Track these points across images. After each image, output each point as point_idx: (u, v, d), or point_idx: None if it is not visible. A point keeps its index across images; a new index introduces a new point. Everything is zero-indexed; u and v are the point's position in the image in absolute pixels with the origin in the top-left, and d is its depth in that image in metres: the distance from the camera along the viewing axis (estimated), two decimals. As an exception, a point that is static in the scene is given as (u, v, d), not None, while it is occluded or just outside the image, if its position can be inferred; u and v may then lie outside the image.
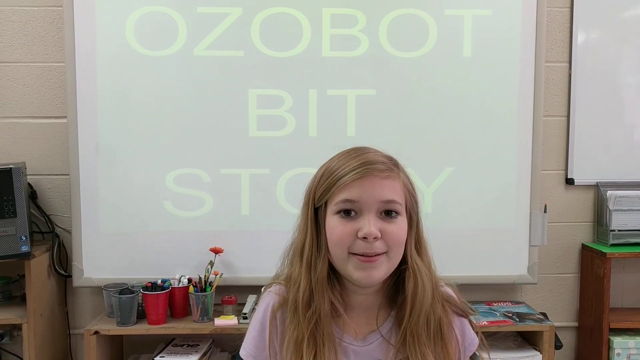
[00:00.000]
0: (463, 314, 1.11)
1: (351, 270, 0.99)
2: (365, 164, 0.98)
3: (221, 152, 2.32)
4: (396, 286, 1.06)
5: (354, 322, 1.05)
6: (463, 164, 2.37)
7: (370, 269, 0.99)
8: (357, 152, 1.02)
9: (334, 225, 0.99)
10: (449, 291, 1.11)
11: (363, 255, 0.98)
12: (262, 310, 1.07)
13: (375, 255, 0.98)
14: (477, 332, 1.12)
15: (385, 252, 0.99)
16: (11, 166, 2.10)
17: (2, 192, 2.07)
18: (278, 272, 1.10)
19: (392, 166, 1.02)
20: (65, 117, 2.32)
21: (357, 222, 0.98)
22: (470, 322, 1.12)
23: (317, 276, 1.01)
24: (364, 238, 0.97)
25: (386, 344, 1.05)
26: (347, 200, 0.98)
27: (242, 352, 1.08)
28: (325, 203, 1.02)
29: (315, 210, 1.04)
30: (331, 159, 1.05)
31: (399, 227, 1.00)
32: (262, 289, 1.11)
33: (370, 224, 0.97)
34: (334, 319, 1.03)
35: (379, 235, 0.97)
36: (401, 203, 1.01)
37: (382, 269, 1.00)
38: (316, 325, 1.01)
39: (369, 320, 1.06)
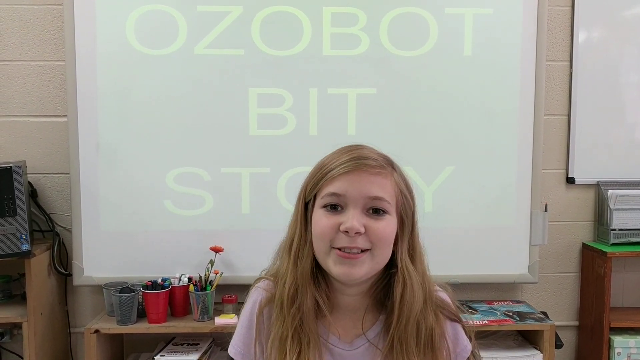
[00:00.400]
0: (456, 319, 1.08)
1: (331, 264, 0.97)
2: (355, 158, 0.97)
3: (221, 151, 2.32)
4: (386, 290, 1.03)
5: (340, 324, 1.03)
6: (463, 163, 2.37)
7: (350, 265, 0.96)
8: (351, 148, 1.01)
9: (318, 218, 0.98)
10: (443, 296, 1.08)
11: (343, 250, 0.96)
12: (249, 307, 1.06)
13: (358, 252, 0.96)
14: (470, 338, 1.09)
15: (369, 250, 0.97)
16: (11, 165, 2.10)
17: (2, 191, 2.07)
18: (268, 267, 1.09)
19: (384, 164, 1.00)
20: (65, 115, 2.32)
21: (341, 216, 0.96)
22: (464, 327, 1.09)
23: (301, 270, 0.99)
24: (346, 232, 0.95)
25: (373, 350, 1.02)
26: (333, 194, 0.97)
27: (230, 350, 1.07)
28: (314, 197, 1.01)
29: (306, 205, 1.03)
30: (327, 155, 1.04)
31: (386, 225, 0.98)
32: (251, 285, 1.10)
33: (353, 218, 0.95)
34: (320, 319, 1.02)
35: (362, 230, 0.95)
36: (390, 202, 0.98)
37: (364, 267, 0.97)
38: (300, 322, 0.99)
39: (355, 323, 1.04)
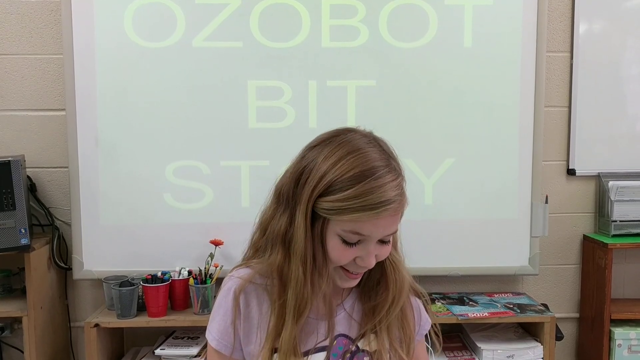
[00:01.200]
0: (418, 295, 1.16)
1: (336, 278, 1.04)
2: (382, 203, 0.95)
3: (221, 144, 2.31)
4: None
5: (322, 299, 1.07)
6: (464, 155, 2.36)
7: (354, 280, 1.05)
8: (367, 177, 0.95)
9: (335, 245, 0.99)
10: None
11: (351, 272, 1.03)
12: (224, 295, 1.08)
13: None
14: (429, 315, 1.19)
15: None
16: (10, 159, 2.09)
17: (1, 185, 2.06)
18: (246, 254, 1.12)
19: (402, 200, 0.99)
20: (64, 109, 2.31)
21: (357, 249, 0.99)
22: (425, 304, 1.18)
23: (322, 290, 1.03)
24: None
25: (349, 319, 1.10)
26: (357, 233, 0.97)
27: (208, 336, 1.09)
28: (328, 217, 0.99)
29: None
30: (335, 163, 0.97)
31: (389, 246, 1.03)
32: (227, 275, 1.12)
33: (371, 256, 1.00)
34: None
35: (375, 262, 1.02)
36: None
37: (361, 276, 1.06)
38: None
39: (333, 295, 1.09)
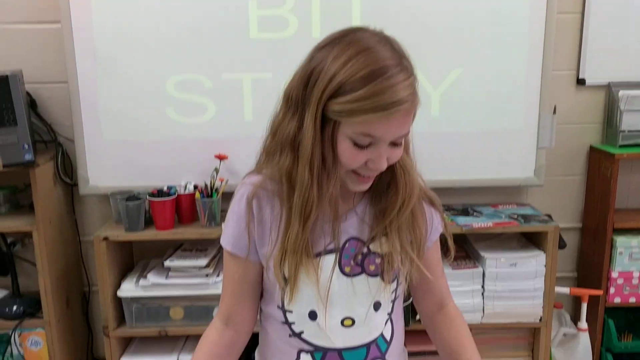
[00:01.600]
0: (432, 202, 1.16)
1: (348, 181, 1.04)
2: (394, 103, 0.92)
3: (221, 55, 2.25)
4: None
5: (333, 202, 1.08)
6: (472, 65, 2.29)
7: (365, 184, 1.05)
8: (379, 76, 0.92)
9: (346, 148, 0.98)
10: (420, 181, 1.14)
11: (362, 175, 1.02)
12: (237, 202, 1.10)
13: None
14: (445, 224, 1.20)
15: None
16: (7, 73, 2.05)
17: (1, 100, 2.03)
18: (259, 159, 1.11)
19: (415, 100, 0.96)
20: (59, 21, 2.23)
21: (369, 151, 0.98)
22: (440, 211, 1.18)
23: (327, 193, 1.02)
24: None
25: (360, 222, 1.11)
26: (368, 135, 0.96)
27: (223, 240, 1.12)
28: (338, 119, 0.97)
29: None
30: (345, 63, 0.94)
31: (401, 149, 1.02)
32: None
33: (382, 159, 0.99)
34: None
35: (386, 165, 1.01)
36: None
37: (373, 179, 1.06)
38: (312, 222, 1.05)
39: (346, 199, 1.11)
